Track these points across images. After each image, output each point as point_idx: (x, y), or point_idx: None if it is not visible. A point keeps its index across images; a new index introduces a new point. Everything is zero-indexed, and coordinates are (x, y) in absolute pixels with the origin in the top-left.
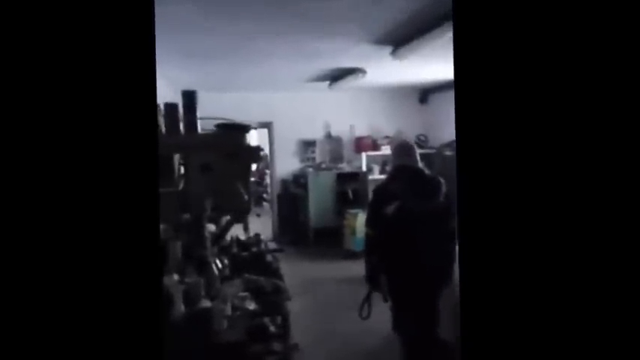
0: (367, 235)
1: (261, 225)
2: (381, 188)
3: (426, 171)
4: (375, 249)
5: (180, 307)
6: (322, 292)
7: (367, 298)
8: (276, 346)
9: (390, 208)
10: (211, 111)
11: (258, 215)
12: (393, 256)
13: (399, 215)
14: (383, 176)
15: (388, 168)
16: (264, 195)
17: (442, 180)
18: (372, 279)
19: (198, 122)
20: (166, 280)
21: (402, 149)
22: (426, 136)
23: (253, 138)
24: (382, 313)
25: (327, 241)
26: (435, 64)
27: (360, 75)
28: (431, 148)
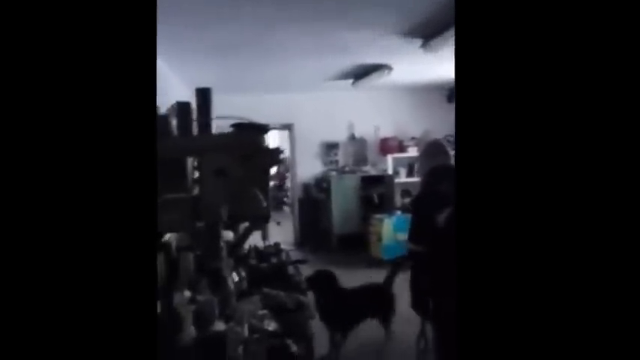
0: (412, 252)
1: (281, 231)
2: (425, 195)
3: None
4: (423, 268)
5: (191, 330)
6: None
7: (422, 329)
8: None
9: (442, 218)
10: (228, 114)
11: (279, 223)
12: (448, 275)
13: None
14: (410, 179)
15: (418, 170)
16: (285, 199)
17: None
18: (420, 304)
19: (213, 122)
20: (176, 298)
21: (436, 148)
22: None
23: (274, 140)
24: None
25: (351, 248)
26: None
27: (386, 72)
28: None
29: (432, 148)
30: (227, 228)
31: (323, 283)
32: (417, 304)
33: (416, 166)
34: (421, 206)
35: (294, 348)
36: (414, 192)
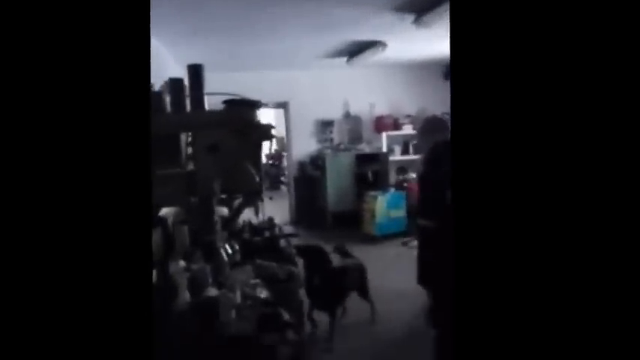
0: (422, 227)
1: (278, 209)
2: (431, 172)
3: None
4: (431, 243)
5: (186, 296)
6: None
7: (431, 303)
8: (290, 335)
9: (450, 193)
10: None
11: (271, 198)
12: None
13: None
14: (405, 157)
15: (418, 147)
16: (282, 178)
17: None
18: (425, 278)
19: (205, 99)
20: (172, 267)
21: (436, 124)
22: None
23: (270, 118)
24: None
25: (346, 225)
26: None
27: (380, 48)
28: None
29: (431, 124)
30: (222, 204)
31: (314, 258)
32: (424, 278)
33: (412, 143)
34: (428, 183)
35: (285, 316)
36: (410, 169)
